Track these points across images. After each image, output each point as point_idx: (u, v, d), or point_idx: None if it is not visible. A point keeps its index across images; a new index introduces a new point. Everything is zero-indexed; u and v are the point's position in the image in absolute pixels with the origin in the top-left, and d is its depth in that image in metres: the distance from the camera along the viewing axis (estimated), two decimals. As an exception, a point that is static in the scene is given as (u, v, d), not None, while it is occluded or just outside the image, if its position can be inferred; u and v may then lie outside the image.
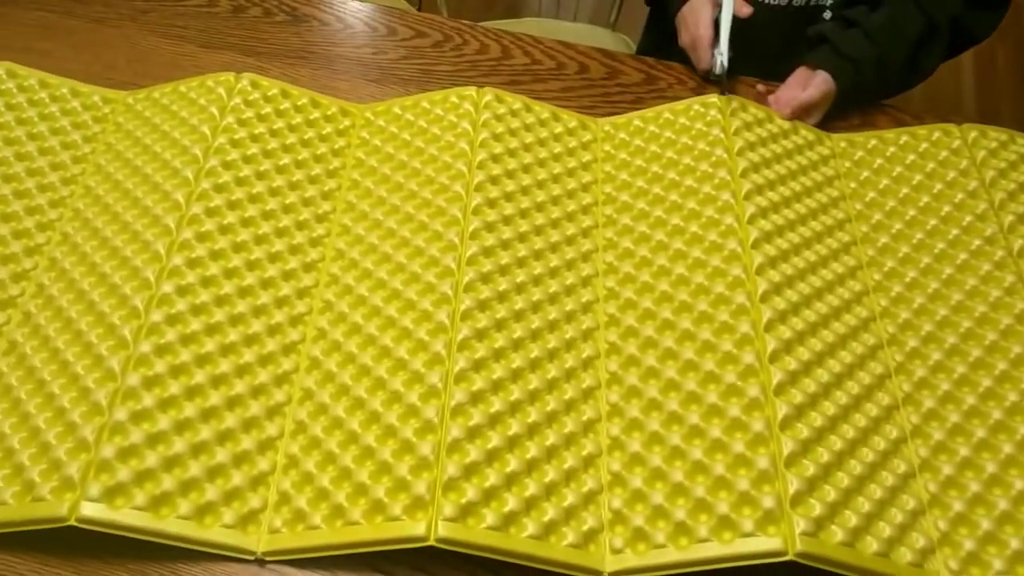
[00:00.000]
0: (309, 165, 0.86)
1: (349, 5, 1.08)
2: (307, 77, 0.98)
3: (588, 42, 1.08)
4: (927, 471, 0.69)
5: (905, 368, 0.75)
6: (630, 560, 0.64)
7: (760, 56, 0.98)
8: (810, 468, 0.66)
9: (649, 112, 0.93)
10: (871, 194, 0.88)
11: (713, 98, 0.91)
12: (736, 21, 0.95)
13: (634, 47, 1.42)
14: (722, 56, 0.95)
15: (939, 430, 0.71)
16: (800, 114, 0.93)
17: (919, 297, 0.80)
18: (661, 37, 1.15)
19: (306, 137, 0.88)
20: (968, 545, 0.66)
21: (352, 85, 0.98)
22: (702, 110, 0.90)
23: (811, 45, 0.98)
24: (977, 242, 0.83)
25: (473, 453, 0.66)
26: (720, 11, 0.96)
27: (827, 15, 1.03)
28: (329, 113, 0.91)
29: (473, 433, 0.67)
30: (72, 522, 0.62)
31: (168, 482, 0.64)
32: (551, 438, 0.69)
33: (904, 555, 0.64)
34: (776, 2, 1.05)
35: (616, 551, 0.65)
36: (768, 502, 0.64)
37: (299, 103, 0.91)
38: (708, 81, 1.00)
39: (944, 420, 0.72)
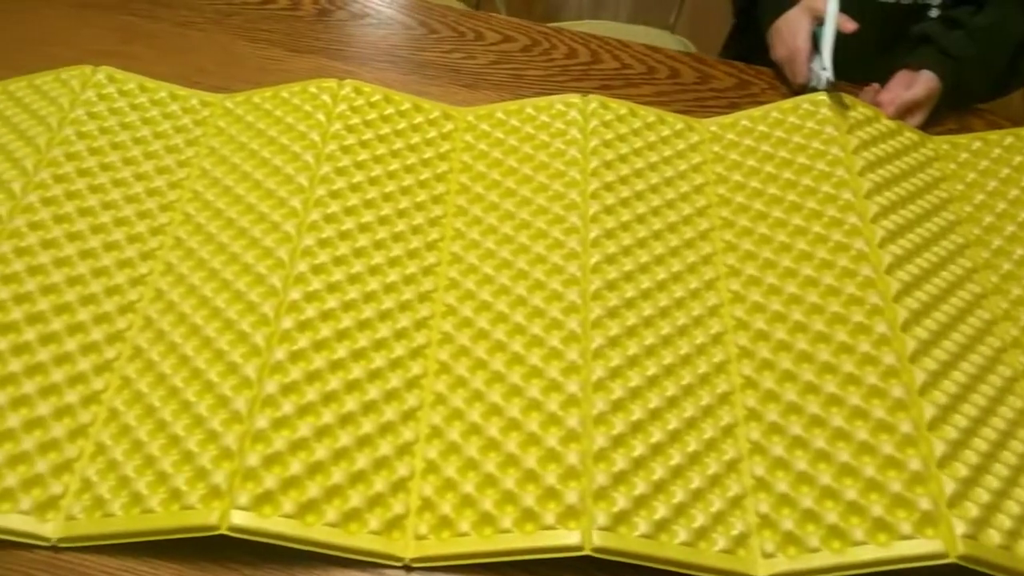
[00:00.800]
0: (418, 170, 0.86)
1: (435, 10, 1.07)
2: (398, 82, 0.97)
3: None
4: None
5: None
6: (782, 564, 0.63)
7: (856, 55, 0.97)
8: (963, 469, 0.65)
9: (756, 111, 0.92)
10: (980, 197, 0.88)
11: (822, 96, 0.91)
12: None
13: (694, 51, 1.42)
14: (826, 71, 0.93)
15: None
16: (904, 113, 0.93)
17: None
18: (746, 48, 1.15)
19: (412, 142, 0.88)
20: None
21: (444, 90, 0.97)
22: (812, 108, 0.90)
23: (913, 45, 0.98)
24: None
25: (620, 462, 0.65)
26: (818, 25, 0.95)
27: (933, 13, 1.02)
28: (432, 117, 0.91)
29: (617, 442, 0.66)
30: (224, 531, 0.61)
31: (313, 489, 0.64)
32: (692, 444, 0.68)
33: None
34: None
35: (767, 555, 0.64)
36: (924, 503, 0.63)
37: (402, 108, 0.90)
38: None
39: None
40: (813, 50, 0.96)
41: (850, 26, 0.94)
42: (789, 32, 0.97)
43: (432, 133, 0.89)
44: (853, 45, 0.97)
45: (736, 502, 0.66)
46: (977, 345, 0.75)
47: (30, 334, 0.71)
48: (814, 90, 0.94)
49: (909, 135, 0.92)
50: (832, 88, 0.92)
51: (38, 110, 0.87)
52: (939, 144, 0.93)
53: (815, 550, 0.63)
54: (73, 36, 0.99)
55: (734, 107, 0.96)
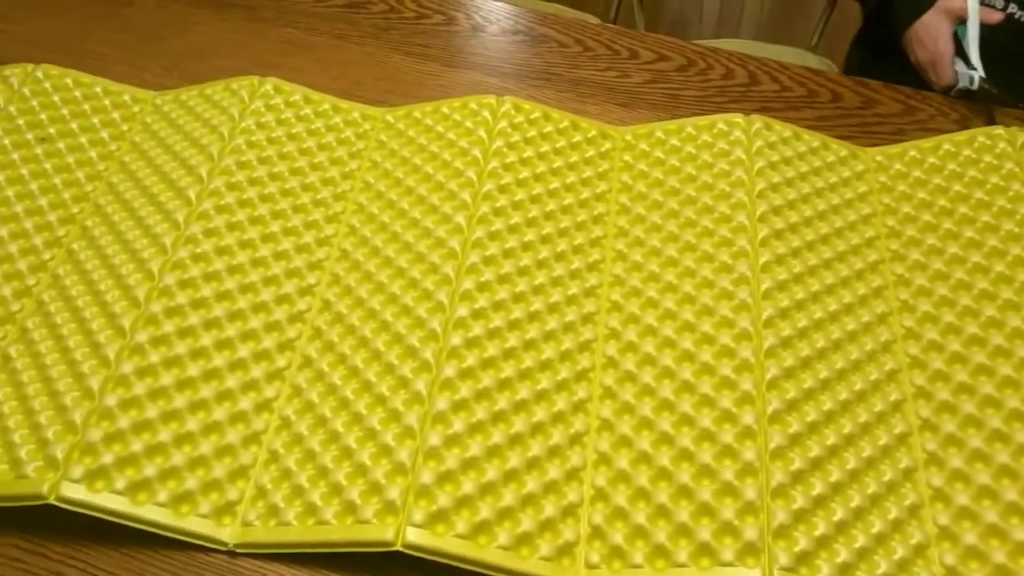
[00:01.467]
0: (577, 189, 0.85)
1: (588, 28, 1.07)
2: (554, 99, 0.97)
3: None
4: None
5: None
6: None
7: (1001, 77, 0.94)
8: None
9: (926, 143, 0.89)
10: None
11: (999, 129, 0.87)
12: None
13: (836, 71, 1.38)
14: (977, 69, 0.91)
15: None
16: None
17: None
18: (873, 53, 1.12)
19: (571, 160, 0.87)
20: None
21: (601, 109, 0.97)
22: (988, 142, 0.86)
23: None
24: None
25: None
26: (959, 24, 0.93)
27: None
28: (590, 136, 0.90)
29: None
30: (399, 547, 0.61)
31: (485, 510, 0.63)
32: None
33: None
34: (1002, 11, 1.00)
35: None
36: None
37: (560, 126, 0.90)
38: (950, 97, 0.97)
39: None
40: (956, 51, 0.94)
41: (996, 16, 0.92)
42: (929, 35, 0.95)
43: (591, 152, 0.89)
44: (1001, 98, 0.94)
45: (570, 510, 0.65)
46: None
47: (206, 339, 0.73)
48: (964, 91, 0.93)
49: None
50: (985, 85, 0.90)
51: (210, 119, 0.89)
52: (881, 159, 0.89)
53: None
54: (238, 48, 1.02)
55: (901, 133, 0.93)
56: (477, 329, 0.73)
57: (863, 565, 0.62)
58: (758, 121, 0.88)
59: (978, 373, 0.71)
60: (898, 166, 0.88)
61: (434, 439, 0.66)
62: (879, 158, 0.89)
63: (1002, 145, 0.86)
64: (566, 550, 0.64)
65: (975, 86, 0.92)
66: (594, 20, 1.36)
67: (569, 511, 0.65)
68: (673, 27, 1.95)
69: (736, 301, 0.74)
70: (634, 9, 1.47)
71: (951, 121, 0.95)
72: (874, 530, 0.63)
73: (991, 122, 0.92)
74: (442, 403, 0.68)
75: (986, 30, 0.96)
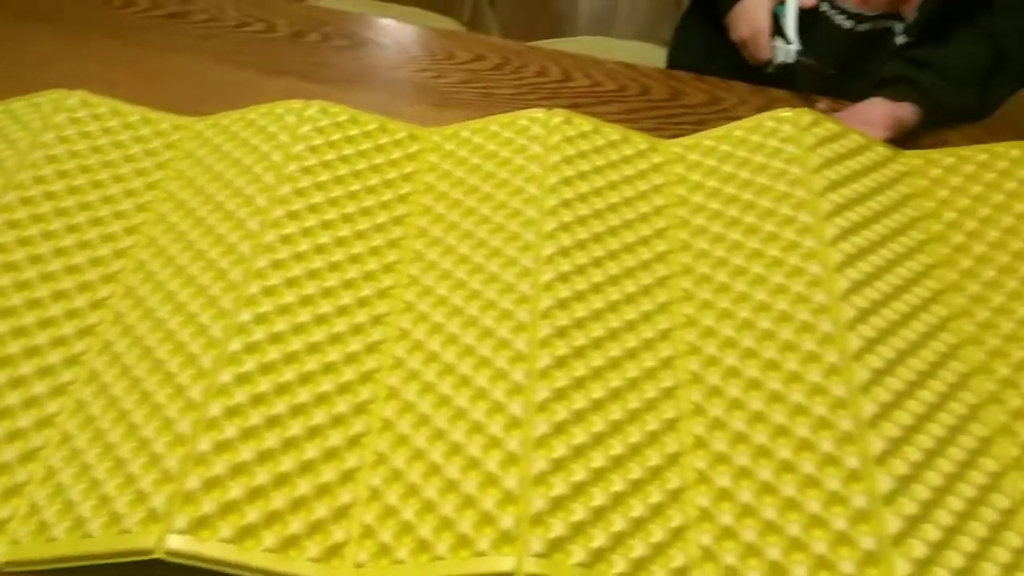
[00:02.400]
0: (380, 192, 0.86)
1: (407, 29, 1.08)
2: (369, 102, 0.97)
3: (645, 61, 1.07)
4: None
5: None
6: None
7: (821, 80, 0.98)
8: (557, 487, 0.65)
9: (719, 131, 0.91)
10: (950, 215, 0.86)
11: (786, 112, 0.90)
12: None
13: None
14: (793, 44, 0.97)
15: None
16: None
17: (1007, 322, 0.78)
18: (700, 36, 1.16)
19: (376, 163, 0.88)
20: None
21: (415, 109, 0.98)
22: (774, 126, 0.89)
23: (882, 79, 0.97)
24: None
25: (559, 487, 0.65)
26: (778, 4, 0.99)
27: (899, 40, 1.02)
28: (398, 138, 0.91)
29: (558, 466, 0.66)
30: (160, 555, 0.62)
31: (252, 514, 0.64)
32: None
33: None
34: (842, 24, 1.03)
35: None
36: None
37: (368, 129, 0.91)
38: (765, 73, 1.01)
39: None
40: (776, 30, 0.99)
41: (810, 1, 0.96)
42: (749, 14, 1.00)
43: (397, 154, 0.90)
44: (817, 69, 0.97)
45: (678, 534, 0.65)
46: (935, 372, 0.73)
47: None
48: (782, 67, 0.98)
49: (880, 150, 0.91)
50: (801, 59, 0.95)
51: (9, 134, 0.88)
52: (911, 159, 0.92)
53: None
54: (58, 60, 1.01)
55: (704, 123, 0.96)
56: (259, 334, 0.73)
57: (620, 549, 0.63)
58: (559, 116, 0.90)
59: (747, 357, 0.73)
60: (694, 156, 0.90)
61: (204, 445, 0.66)
62: (677, 149, 0.91)
63: (787, 128, 0.88)
64: (335, 551, 0.64)
65: (792, 59, 0.97)
66: (453, 25, 1.38)
67: (342, 512, 0.66)
68: (552, 28, 1.97)
69: (517, 294, 0.76)
70: (485, 12, 1.48)
71: (753, 108, 0.98)
72: (634, 514, 0.65)
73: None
74: (215, 408, 0.68)
75: (824, 40, 1.02)
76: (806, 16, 1.02)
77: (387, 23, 1.09)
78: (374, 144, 0.90)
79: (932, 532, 0.63)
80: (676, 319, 0.77)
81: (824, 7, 1.04)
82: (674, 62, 1.27)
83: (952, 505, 0.65)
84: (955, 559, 0.62)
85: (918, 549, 0.62)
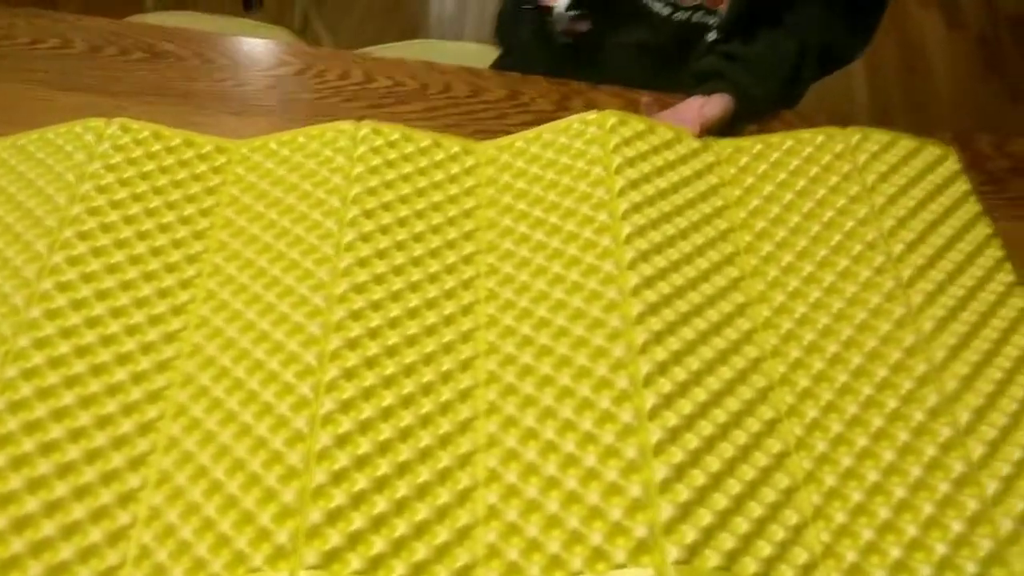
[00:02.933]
0: (181, 206, 0.84)
1: (209, 40, 1.07)
2: (167, 114, 0.95)
3: (479, 61, 1.08)
4: (812, 483, 0.68)
5: (789, 379, 0.74)
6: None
7: (639, 69, 0.99)
8: (684, 493, 0.64)
9: (531, 133, 0.92)
10: (755, 202, 0.88)
11: (592, 115, 0.91)
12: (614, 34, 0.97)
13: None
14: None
15: (822, 440, 0.71)
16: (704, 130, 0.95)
17: (801, 306, 0.79)
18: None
19: (179, 178, 0.86)
20: (851, 556, 0.65)
21: (215, 119, 0.96)
22: (580, 128, 0.90)
23: (698, 80, 1.00)
24: (858, 248, 0.83)
25: (338, 498, 0.64)
26: None
27: (711, 35, 1.04)
28: (204, 152, 0.89)
29: (339, 477, 0.65)
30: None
31: (17, 544, 0.61)
32: (424, 475, 0.67)
33: (785, 573, 0.63)
34: (660, 11, 1.05)
35: None
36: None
37: (171, 144, 0.89)
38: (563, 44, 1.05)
39: (827, 430, 0.71)
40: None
41: None
42: None
43: (202, 167, 0.88)
44: (635, 57, 0.99)
45: (465, 533, 0.65)
46: (731, 357, 0.74)
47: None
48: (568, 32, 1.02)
49: (690, 143, 0.92)
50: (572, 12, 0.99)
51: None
52: (723, 148, 0.93)
53: None
54: None
55: (503, 117, 0.97)
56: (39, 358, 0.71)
57: (401, 554, 0.63)
58: (366, 127, 0.89)
59: (542, 354, 0.74)
60: (505, 157, 0.90)
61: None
62: (491, 151, 0.91)
63: (592, 130, 0.89)
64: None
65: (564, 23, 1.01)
66: (284, 35, 1.36)
67: (120, 535, 0.64)
68: (403, 34, 1.98)
69: (310, 307, 0.75)
70: (312, 20, 1.48)
71: (551, 102, 1.00)
72: (418, 518, 0.64)
73: (590, 105, 0.96)
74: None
75: (648, 27, 1.05)
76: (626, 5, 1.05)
77: (185, 33, 1.07)
78: (177, 159, 0.88)
79: (706, 517, 0.64)
80: (479, 320, 0.77)
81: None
82: (501, 58, 1.28)
83: (731, 488, 0.66)
84: (728, 542, 0.63)
85: (689, 535, 0.62)
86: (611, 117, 0.90)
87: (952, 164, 0.92)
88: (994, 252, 0.84)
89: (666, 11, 1.06)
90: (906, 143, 0.93)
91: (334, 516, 0.63)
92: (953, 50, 2.34)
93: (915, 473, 0.68)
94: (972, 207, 0.88)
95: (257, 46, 1.05)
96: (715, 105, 0.95)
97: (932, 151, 0.93)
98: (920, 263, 0.82)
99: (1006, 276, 0.82)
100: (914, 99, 2.20)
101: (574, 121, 0.91)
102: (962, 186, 0.90)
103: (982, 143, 1.02)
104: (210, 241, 0.82)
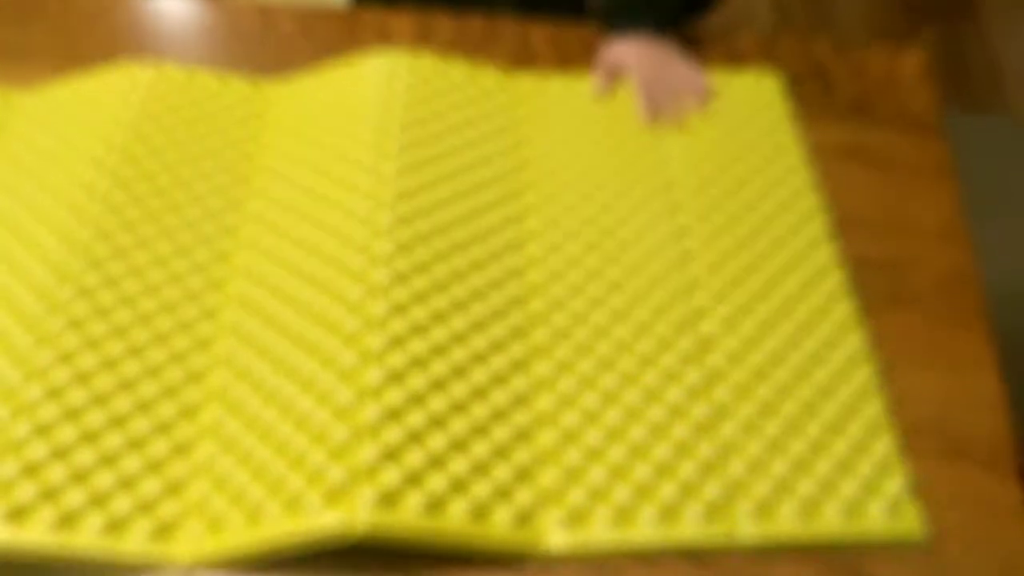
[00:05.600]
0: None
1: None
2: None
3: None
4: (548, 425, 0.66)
5: (543, 323, 0.71)
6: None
7: None
8: (395, 435, 0.61)
9: (322, 76, 0.88)
10: (545, 142, 0.85)
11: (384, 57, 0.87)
12: None
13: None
14: None
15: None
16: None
17: (573, 248, 0.77)
18: None
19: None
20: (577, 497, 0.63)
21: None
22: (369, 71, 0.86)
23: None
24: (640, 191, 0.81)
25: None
26: None
27: None
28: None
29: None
30: None
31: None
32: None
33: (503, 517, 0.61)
34: None
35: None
36: (338, 476, 0.59)
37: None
38: None
39: (571, 369, 0.69)
40: None
41: None
42: None
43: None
44: None
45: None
46: (466, 306, 0.71)
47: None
48: None
49: (485, 80, 0.88)
50: None
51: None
52: (522, 82, 0.90)
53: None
54: None
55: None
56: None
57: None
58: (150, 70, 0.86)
59: (309, 285, 0.71)
60: (288, 102, 0.88)
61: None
62: (281, 91, 0.89)
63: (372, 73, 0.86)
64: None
65: None
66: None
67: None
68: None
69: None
70: None
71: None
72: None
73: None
74: None
75: None
76: None
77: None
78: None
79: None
80: (242, 265, 0.75)
81: None
82: None
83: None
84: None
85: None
86: (402, 56, 0.87)
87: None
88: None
89: None
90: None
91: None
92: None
93: (656, 417, 0.66)
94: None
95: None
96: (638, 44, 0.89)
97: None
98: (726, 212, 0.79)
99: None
100: (817, 20, 2.14)
101: (365, 63, 0.87)
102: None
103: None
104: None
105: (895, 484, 0.64)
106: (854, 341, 0.72)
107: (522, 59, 0.92)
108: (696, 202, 0.80)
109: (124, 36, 0.93)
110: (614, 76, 0.89)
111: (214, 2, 0.97)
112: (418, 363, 0.66)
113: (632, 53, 0.89)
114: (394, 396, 0.64)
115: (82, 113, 0.84)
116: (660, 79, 0.88)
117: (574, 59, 0.92)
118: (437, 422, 0.63)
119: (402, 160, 0.78)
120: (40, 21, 0.95)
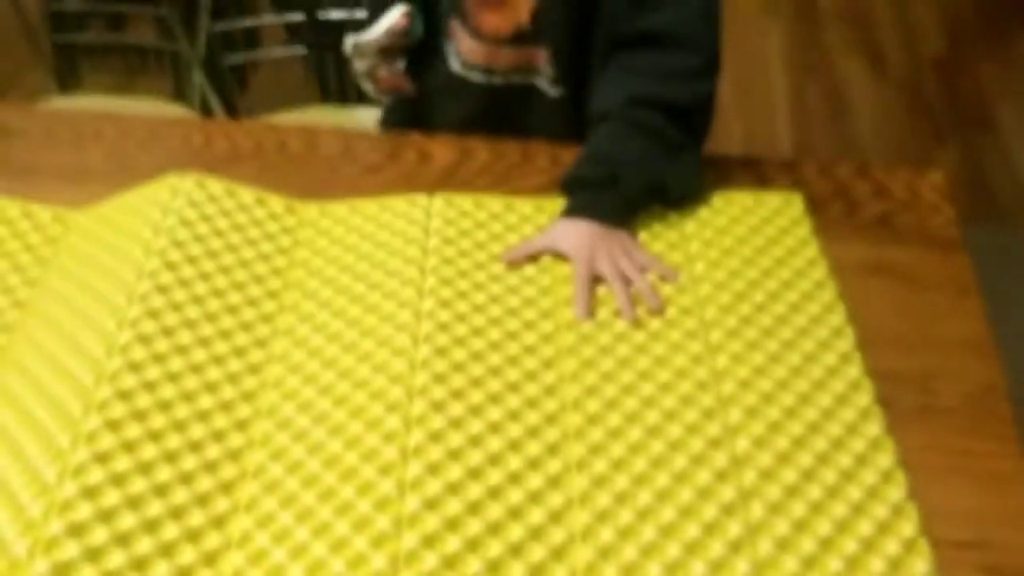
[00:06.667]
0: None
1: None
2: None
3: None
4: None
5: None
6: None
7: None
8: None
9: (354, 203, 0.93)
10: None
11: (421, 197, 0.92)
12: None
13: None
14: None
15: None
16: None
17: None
18: None
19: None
20: None
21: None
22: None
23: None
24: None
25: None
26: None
27: (542, 83, 1.01)
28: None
29: None
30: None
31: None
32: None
33: None
34: (478, 80, 1.02)
35: None
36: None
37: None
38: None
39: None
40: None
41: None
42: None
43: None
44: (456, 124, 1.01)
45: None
46: None
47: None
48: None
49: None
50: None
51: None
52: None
53: None
54: None
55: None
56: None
57: None
58: (190, 180, 0.91)
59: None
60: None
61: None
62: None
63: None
64: None
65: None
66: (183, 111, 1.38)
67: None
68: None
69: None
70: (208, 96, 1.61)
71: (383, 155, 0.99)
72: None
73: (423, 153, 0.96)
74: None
75: (466, 94, 1.02)
76: (445, 78, 1.03)
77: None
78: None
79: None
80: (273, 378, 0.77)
81: (455, 67, 1.02)
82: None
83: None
84: None
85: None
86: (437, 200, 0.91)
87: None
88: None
89: (482, 79, 1.01)
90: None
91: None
92: (878, 94, 2.32)
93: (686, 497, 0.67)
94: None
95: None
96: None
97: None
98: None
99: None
100: (839, 145, 2.18)
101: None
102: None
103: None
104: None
105: None
106: (887, 457, 0.71)
107: (556, 181, 0.93)
108: (726, 320, 0.81)
109: (176, 157, 0.99)
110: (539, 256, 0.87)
111: (263, 123, 1.03)
112: (453, 489, 0.67)
113: (580, 240, 0.86)
114: (430, 523, 0.65)
115: (126, 223, 0.88)
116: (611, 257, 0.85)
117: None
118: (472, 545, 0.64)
119: (437, 295, 0.81)
120: (96, 145, 1.01)
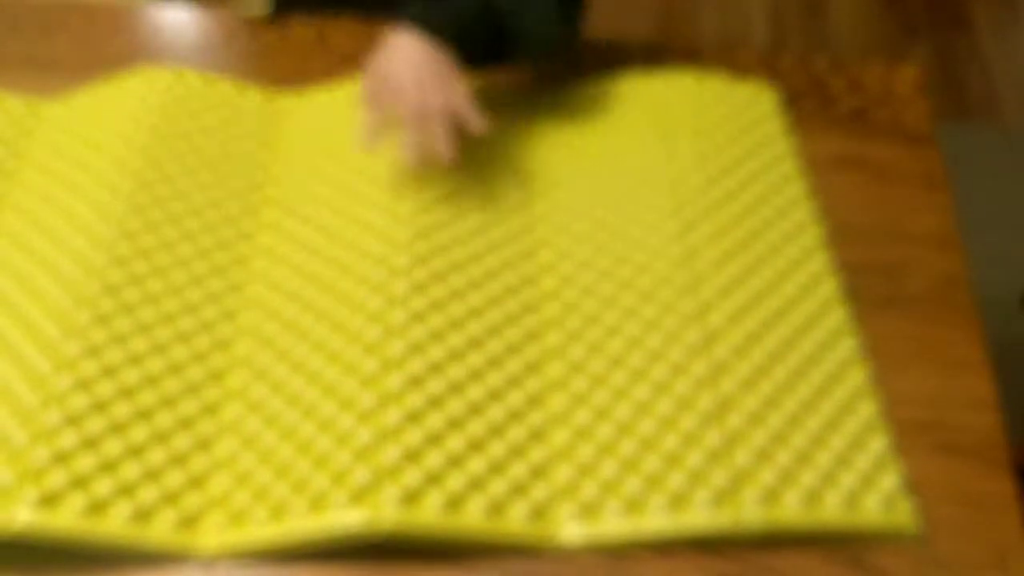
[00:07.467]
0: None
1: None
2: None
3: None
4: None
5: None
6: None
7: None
8: (417, 436, 0.65)
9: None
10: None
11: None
12: None
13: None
14: None
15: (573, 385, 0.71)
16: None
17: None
18: None
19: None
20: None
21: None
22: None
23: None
24: None
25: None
26: None
27: None
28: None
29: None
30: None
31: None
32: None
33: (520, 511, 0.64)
34: None
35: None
36: (362, 476, 0.62)
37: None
38: None
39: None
40: None
41: None
42: None
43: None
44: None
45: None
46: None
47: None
48: None
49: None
50: None
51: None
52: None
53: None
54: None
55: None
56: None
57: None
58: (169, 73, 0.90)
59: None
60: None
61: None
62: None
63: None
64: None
65: None
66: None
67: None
68: None
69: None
70: None
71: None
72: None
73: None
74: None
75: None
76: None
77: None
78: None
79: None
80: (254, 296, 0.77)
81: None
82: None
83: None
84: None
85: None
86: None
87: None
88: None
89: None
90: None
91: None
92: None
93: (664, 410, 0.69)
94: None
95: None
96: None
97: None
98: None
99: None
100: (815, 42, 2.17)
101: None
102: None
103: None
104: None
105: (890, 480, 0.67)
106: (848, 344, 0.75)
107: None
108: (701, 200, 0.83)
109: (145, 46, 0.97)
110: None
111: (232, 14, 1.00)
112: (436, 368, 0.69)
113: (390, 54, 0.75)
114: (415, 399, 0.67)
115: (104, 117, 0.87)
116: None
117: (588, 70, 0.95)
118: (455, 423, 0.66)
119: (418, 200, 0.80)
120: (63, 33, 0.98)
